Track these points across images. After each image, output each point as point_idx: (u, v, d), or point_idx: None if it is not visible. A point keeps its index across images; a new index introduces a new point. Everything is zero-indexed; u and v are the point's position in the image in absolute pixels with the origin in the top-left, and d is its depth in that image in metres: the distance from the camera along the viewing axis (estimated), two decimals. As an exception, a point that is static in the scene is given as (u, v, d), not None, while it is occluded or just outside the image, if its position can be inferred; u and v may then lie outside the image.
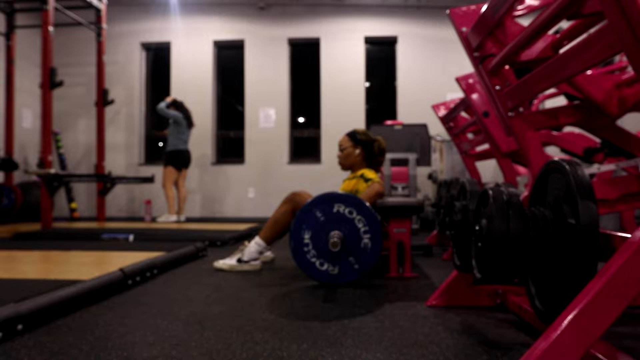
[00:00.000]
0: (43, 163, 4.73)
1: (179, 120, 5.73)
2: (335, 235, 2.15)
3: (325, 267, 2.21)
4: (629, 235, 0.93)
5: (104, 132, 6.08)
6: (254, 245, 2.66)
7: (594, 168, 2.25)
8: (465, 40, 1.65)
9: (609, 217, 3.91)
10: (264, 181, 6.94)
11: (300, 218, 2.25)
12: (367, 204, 2.26)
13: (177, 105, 5.87)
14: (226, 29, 7.24)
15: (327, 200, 2.24)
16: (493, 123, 2.41)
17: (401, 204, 2.47)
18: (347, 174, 2.96)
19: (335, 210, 2.22)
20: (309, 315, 1.70)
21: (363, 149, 2.86)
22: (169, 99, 5.83)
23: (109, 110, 6.50)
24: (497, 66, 1.51)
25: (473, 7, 1.69)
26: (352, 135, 2.89)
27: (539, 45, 1.47)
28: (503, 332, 1.49)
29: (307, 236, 2.22)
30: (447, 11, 1.71)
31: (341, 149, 2.91)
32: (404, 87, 7.04)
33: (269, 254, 2.94)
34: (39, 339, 1.41)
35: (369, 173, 2.76)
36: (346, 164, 2.90)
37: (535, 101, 3.10)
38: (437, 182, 5.46)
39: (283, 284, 2.29)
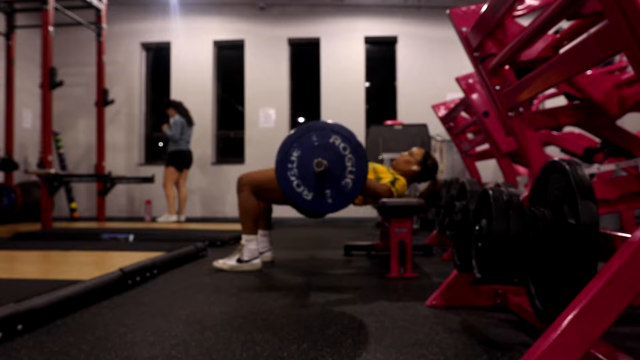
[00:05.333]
0: (43, 163, 4.73)
1: (181, 124, 5.74)
2: (322, 160, 2.10)
3: (301, 189, 2.16)
4: (629, 235, 0.93)
5: (104, 132, 6.08)
6: (247, 244, 2.66)
7: (594, 168, 2.25)
8: (465, 40, 1.65)
9: (609, 217, 3.91)
10: (264, 181, 6.93)
11: (296, 135, 2.18)
12: (364, 149, 2.21)
13: (176, 105, 5.87)
14: (226, 29, 7.24)
15: (327, 128, 2.18)
16: (493, 123, 2.41)
17: (402, 204, 2.47)
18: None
19: (331, 140, 2.16)
20: (309, 315, 1.70)
21: (419, 172, 2.94)
22: (165, 128, 5.83)
23: (109, 110, 6.49)
24: (497, 66, 1.51)
25: (473, 7, 1.69)
26: (426, 157, 2.95)
27: (539, 45, 1.47)
28: (503, 332, 1.49)
29: (295, 154, 2.16)
30: (447, 11, 1.72)
31: (410, 153, 2.98)
32: (404, 87, 7.04)
33: (268, 254, 2.94)
34: (39, 339, 1.41)
35: (401, 185, 2.74)
36: (398, 165, 2.95)
37: (535, 101, 3.10)
38: (437, 182, 5.44)
39: (283, 284, 2.29)
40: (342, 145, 2.15)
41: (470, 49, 1.62)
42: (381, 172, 2.77)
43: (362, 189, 2.19)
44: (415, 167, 2.92)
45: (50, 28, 4.79)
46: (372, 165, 2.82)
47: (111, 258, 2.67)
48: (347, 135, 2.16)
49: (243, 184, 2.68)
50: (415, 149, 3.01)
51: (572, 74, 1.18)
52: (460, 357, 1.25)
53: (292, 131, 2.21)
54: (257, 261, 2.67)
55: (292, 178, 2.16)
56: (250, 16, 7.18)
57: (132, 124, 7.25)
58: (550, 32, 1.38)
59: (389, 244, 2.50)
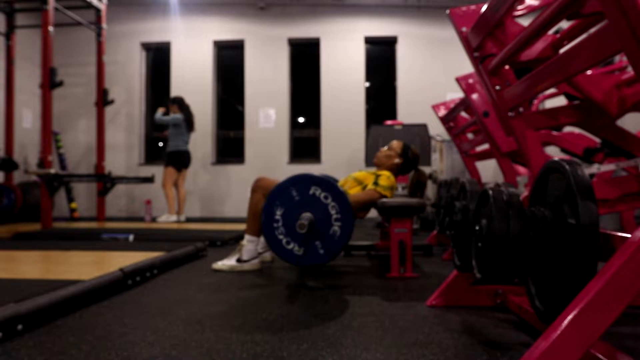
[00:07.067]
0: (43, 163, 4.73)
1: (178, 122, 5.72)
2: (304, 217, 2.12)
3: (291, 246, 2.20)
4: (629, 235, 0.93)
5: (104, 132, 6.08)
6: (248, 244, 2.67)
7: (594, 168, 2.25)
8: (465, 40, 1.65)
9: (609, 217, 3.91)
10: (264, 181, 6.93)
11: (275, 193, 2.22)
12: (346, 195, 2.23)
13: (181, 105, 5.84)
14: (226, 29, 7.24)
15: (305, 181, 2.22)
16: (493, 123, 2.41)
17: (402, 204, 2.47)
18: (350, 172, 2.98)
19: (311, 192, 2.20)
20: (309, 315, 1.70)
21: (402, 164, 2.97)
22: (161, 110, 5.83)
23: (109, 110, 6.49)
24: (497, 66, 1.51)
25: (473, 7, 1.69)
26: (405, 149, 2.98)
27: (539, 45, 1.47)
28: (503, 332, 1.49)
29: (279, 212, 2.20)
30: (447, 11, 1.72)
31: (389, 147, 3.01)
32: (404, 87, 7.04)
33: (268, 255, 2.94)
34: (39, 339, 1.41)
35: (385, 179, 2.75)
36: (380, 161, 2.98)
37: (535, 101, 3.10)
38: (437, 182, 5.45)
39: (283, 284, 2.29)
40: (322, 194, 2.19)
41: (470, 49, 1.62)
42: (363, 179, 2.80)
43: (351, 233, 2.21)
44: (397, 160, 2.96)
45: (50, 28, 4.79)
46: (352, 176, 2.84)
47: (111, 258, 2.67)
48: (326, 184, 2.20)
49: (258, 186, 2.68)
50: (394, 142, 3.04)
51: (572, 74, 1.18)
52: (460, 357, 1.25)
53: (271, 190, 2.26)
54: (256, 261, 2.67)
55: (280, 236, 2.21)
56: (250, 16, 7.18)
57: (132, 124, 7.25)
58: (550, 32, 1.38)
59: (389, 244, 2.50)
